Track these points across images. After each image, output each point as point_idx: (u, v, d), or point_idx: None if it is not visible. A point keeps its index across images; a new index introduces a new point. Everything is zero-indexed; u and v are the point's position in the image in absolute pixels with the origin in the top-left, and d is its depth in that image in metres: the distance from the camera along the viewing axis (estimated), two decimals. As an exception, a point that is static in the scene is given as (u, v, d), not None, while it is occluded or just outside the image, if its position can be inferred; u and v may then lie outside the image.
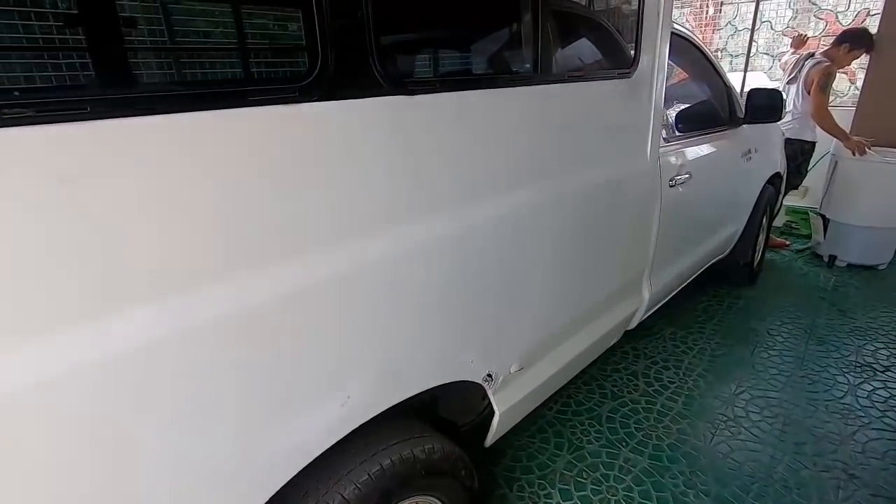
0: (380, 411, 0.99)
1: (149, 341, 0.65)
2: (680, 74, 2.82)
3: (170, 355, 0.68)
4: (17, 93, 0.54)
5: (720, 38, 7.24)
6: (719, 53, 6.93)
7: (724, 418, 1.99)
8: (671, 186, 1.88)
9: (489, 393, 1.29)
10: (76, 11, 0.56)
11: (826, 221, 3.40)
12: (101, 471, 0.65)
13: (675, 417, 2.00)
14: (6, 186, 0.53)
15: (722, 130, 2.38)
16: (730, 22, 7.33)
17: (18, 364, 0.56)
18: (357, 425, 0.95)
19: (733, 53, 7.22)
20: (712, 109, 2.38)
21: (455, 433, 1.38)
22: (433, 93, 0.95)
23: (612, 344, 1.94)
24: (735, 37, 7.27)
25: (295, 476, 0.87)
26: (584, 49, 1.37)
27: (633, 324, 2.02)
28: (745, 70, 5.21)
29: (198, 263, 0.69)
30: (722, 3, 7.26)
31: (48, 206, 0.56)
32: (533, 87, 1.18)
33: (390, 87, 0.87)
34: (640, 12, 1.46)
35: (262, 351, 0.78)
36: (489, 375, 1.26)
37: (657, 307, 2.19)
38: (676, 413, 2.03)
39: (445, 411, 1.46)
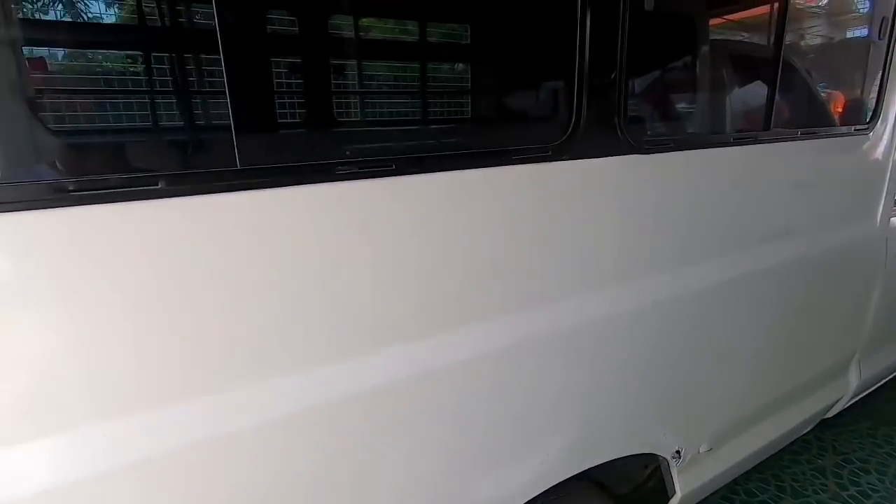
0: (572, 474, 0.95)
1: (393, 382, 0.70)
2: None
3: (410, 397, 0.72)
4: (348, 152, 0.62)
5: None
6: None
7: (957, 553, 1.59)
8: (898, 257, 1.60)
9: (673, 471, 1.17)
10: (393, 94, 0.64)
11: None
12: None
13: (883, 537, 1.65)
14: (329, 228, 0.62)
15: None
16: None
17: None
18: (548, 486, 0.92)
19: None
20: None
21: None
22: (665, 152, 0.92)
23: (804, 432, 1.67)
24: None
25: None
26: (817, 104, 1.24)
27: (833, 412, 1.72)
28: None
29: (460, 307, 0.73)
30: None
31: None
32: (762, 145, 1.09)
33: (629, 147, 0.85)
34: (886, 64, 1.28)
35: (494, 398, 0.80)
36: (678, 452, 1.15)
37: (861, 396, 1.84)
38: (884, 531, 1.67)
39: (601, 476, 1.36)
